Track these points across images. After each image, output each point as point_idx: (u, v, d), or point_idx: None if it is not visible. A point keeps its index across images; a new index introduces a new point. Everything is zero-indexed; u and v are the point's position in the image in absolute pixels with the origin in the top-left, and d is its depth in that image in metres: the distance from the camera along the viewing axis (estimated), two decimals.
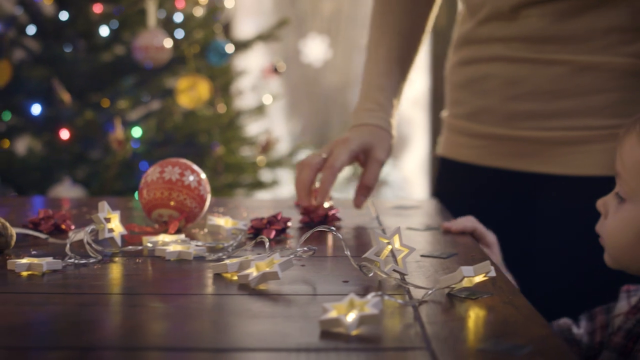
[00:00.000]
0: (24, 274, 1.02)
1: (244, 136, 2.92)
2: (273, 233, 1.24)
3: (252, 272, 0.97)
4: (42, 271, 1.03)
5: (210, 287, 0.98)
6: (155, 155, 2.64)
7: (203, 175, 1.32)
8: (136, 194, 2.57)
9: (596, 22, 1.34)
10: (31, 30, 2.75)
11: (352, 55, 4.72)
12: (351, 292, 0.84)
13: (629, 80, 1.35)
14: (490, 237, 1.31)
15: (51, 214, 1.28)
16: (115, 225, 1.17)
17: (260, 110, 2.93)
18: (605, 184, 1.15)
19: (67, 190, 2.49)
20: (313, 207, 1.37)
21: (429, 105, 4.45)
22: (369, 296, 0.83)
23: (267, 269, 0.97)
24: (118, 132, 2.47)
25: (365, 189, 1.43)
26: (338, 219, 1.39)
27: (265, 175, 3.02)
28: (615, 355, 1.13)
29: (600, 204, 1.13)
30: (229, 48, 2.76)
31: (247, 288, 0.97)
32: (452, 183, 1.58)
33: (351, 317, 0.81)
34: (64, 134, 2.53)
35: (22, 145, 2.77)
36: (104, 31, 2.69)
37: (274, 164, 2.94)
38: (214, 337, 0.80)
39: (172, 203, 1.27)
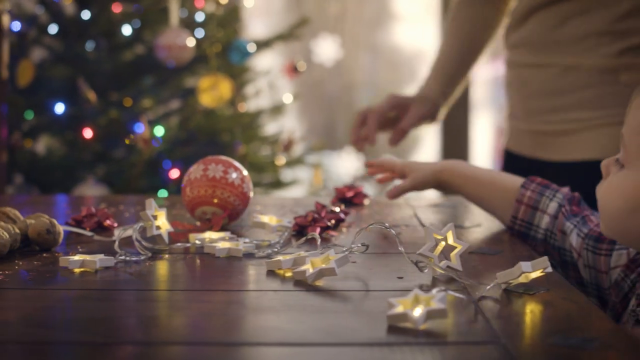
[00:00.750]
0: (77, 270, 1.02)
1: (263, 135, 2.92)
2: (318, 230, 1.24)
3: (308, 268, 0.97)
4: (95, 268, 1.03)
5: (265, 283, 0.98)
6: (178, 154, 2.65)
7: (245, 173, 1.32)
8: (160, 192, 2.59)
9: (577, 29, 1.56)
10: (53, 29, 2.75)
11: (357, 56, 4.72)
12: (415, 288, 0.84)
13: (604, 76, 1.55)
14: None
15: (94, 211, 1.28)
16: (162, 223, 1.17)
17: (279, 109, 2.93)
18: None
19: (90, 189, 2.49)
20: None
21: None
22: (434, 291, 0.84)
23: (324, 265, 0.97)
24: (145, 131, 2.47)
25: (401, 131, 1.68)
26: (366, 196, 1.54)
27: (284, 174, 3.02)
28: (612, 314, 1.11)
29: (603, 164, 1.10)
30: (251, 47, 2.76)
31: (303, 284, 0.97)
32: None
33: (418, 312, 0.81)
34: (87, 133, 2.53)
35: (45, 144, 2.77)
36: (127, 30, 2.69)
37: (293, 163, 2.94)
38: (287, 332, 0.80)
39: (215, 200, 1.27)
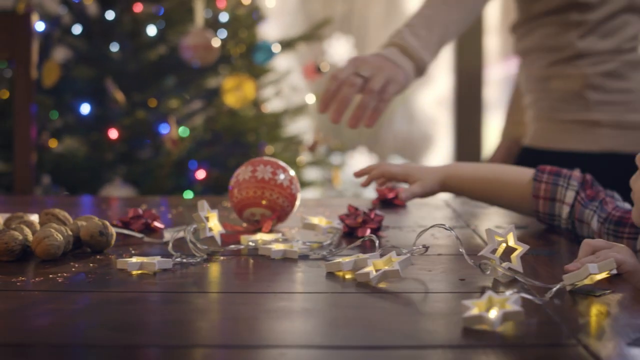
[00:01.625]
0: (135, 273, 1.02)
1: (286, 136, 2.91)
2: (368, 231, 1.24)
3: (371, 270, 0.97)
4: (154, 270, 1.02)
5: (327, 285, 0.98)
6: (203, 154, 2.64)
7: (293, 173, 1.31)
8: (185, 193, 2.59)
9: (527, 44, 1.87)
10: (77, 29, 2.74)
11: None
12: (488, 290, 0.84)
13: (539, 84, 1.86)
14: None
15: (140, 213, 1.28)
16: (214, 224, 1.16)
17: (301, 110, 2.92)
18: None
19: (117, 190, 2.49)
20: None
21: (453, 106, 4.44)
22: (507, 293, 0.83)
23: (388, 267, 0.96)
24: (173, 131, 2.46)
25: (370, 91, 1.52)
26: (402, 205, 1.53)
27: (306, 174, 3.01)
28: None
29: (638, 157, 1.11)
30: (276, 47, 2.76)
31: (364, 286, 0.96)
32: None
33: (493, 314, 0.81)
34: (112, 134, 2.53)
35: (70, 144, 2.77)
36: (151, 30, 2.69)
37: (315, 164, 2.93)
38: (363, 335, 0.79)
39: (264, 202, 1.26)
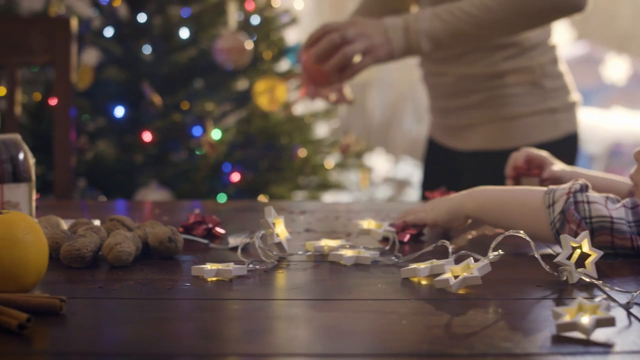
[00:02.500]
0: (210, 279, 1.02)
1: (316, 138, 2.91)
2: (407, 237, 1.24)
3: (450, 277, 0.97)
4: (230, 277, 1.02)
5: (407, 292, 0.98)
6: (237, 157, 2.64)
7: None
8: (219, 197, 2.59)
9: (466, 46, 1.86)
10: (108, 32, 2.74)
11: None
12: (579, 296, 0.84)
13: (491, 82, 1.89)
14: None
15: (202, 218, 1.28)
16: (280, 230, 1.16)
17: (330, 112, 2.92)
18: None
19: (153, 193, 2.49)
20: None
21: None
22: (597, 300, 0.83)
23: (467, 274, 0.96)
24: (210, 134, 2.46)
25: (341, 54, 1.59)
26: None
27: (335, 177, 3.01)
28: None
29: (635, 152, 1.15)
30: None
31: (442, 292, 0.96)
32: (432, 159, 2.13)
33: (586, 320, 0.81)
34: (146, 136, 2.53)
35: (103, 147, 2.77)
36: (184, 33, 2.69)
37: (345, 165, 2.93)
38: (449, 342, 0.79)
39: None
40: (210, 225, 1.27)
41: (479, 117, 1.92)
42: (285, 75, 2.79)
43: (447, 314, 0.88)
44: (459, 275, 0.97)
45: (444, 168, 2.02)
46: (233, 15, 2.54)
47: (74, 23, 2.02)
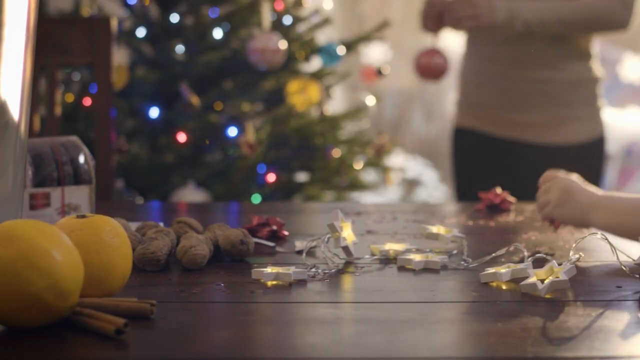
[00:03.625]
0: (270, 283, 1.02)
1: (346, 138, 2.91)
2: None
3: (537, 281, 0.96)
4: (289, 281, 1.02)
5: (489, 295, 0.97)
6: (271, 157, 2.64)
7: None
8: (253, 198, 2.58)
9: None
10: (140, 32, 2.74)
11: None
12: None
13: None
14: None
15: (265, 220, 1.28)
16: (347, 234, 1.16)
17: (360, 112, 2.92)
18: None
19: (190, 194, 2.49)
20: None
21: None
22: None
23: (554, 278, 0.96)
24: (249, 134, 2.46)
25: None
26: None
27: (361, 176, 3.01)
28: None
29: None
30: (340, 50, 2.75)
31: (528, 295, 0.96)
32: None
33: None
34: (181, 137, 2.53)
35: (138, 148, 2.76)
36: (217, 33, 2.68)
37: (369, 164, 2.93)
38: (562, 345, 0.79)
39: None
40: (275, 228, 1.27)
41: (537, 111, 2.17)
42: (317, 75, 2.79)
43: (538, 317, 0.88)
44: (544, 279, 0.97)
45: (492, 161, 2.22)
46: (267, 16, 2.54)
47: (114, 24, 2.02)
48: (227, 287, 1.00)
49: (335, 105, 2.91)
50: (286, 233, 1.28)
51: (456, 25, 2.08)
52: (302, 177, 2.77)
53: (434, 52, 2.14)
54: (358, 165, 2.88)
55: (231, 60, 2.72)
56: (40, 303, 0.80)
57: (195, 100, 2.50)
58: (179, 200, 2.49)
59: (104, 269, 0.90)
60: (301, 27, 2.83)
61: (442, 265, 1.11)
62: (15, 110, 0.90)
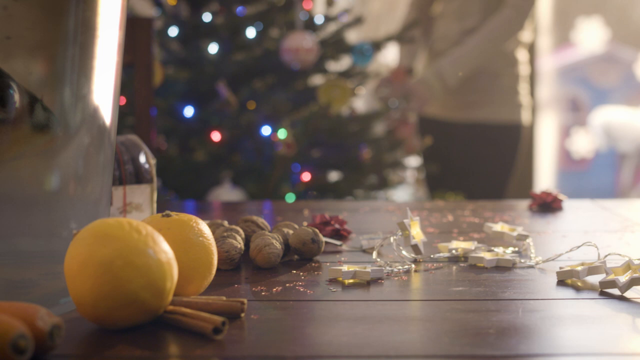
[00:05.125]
0: (347, 282, 1.02)
1: (375, 137, 2.91)
2: None
3: (616, 277, 0.96)
4: (367, 279, 1.02)
5: (566, 292, 0.97)
6: (305, 156, 2.64)
7: None
8: (287, 197, 2.58)
9: None
10: (173, 31, 2.74)
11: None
12: None
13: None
14: None
15: (328, 218, 1.28)
16: (416, 232, 1.16)
17: (388, 111, 2.91)
18: None
19: (227, 193, 2.49)
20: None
21: None
22: None
23: (634, 274, 0.96)
24: (287, 133, 2.46)
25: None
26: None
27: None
28: None
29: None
30: (371, 49, 2.76)
31: (605, 293, 0.96)
32: None
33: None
34: (215, 136, 2.53)
35: (172, 147, 2.76)
36: (251, 32, 2.69)
37: (394, 165, 2.93)
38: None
39: None
40: (337, 226, 1.27)
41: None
42: (347, 74, 2.79)
43: (626, 314, 0.88)
44: (623, 276, 0.97)
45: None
46: (299, 15, 2.54)
47: (157, 23, 2.02)
48: (306, 285, 1.00)
49: (364, 104, 2.90)
50: (349, 231, 1.28)
51: (413, 111, 2.86)
52: (334, 176, 2.77)
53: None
54: (388, 164, 2.88)
55: (262, 59, 2.73)
56: (138, 302, 0.80)
57: (233, 99, 2.50)
58: (214, 199, 2.49)
59: (191, 267, 0.90)
60: (331, 27, 2.83)
61: (513, 263, 1.11)
62: (107, 113, 0.91)
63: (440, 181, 2.92)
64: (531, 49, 4.28)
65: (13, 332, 0.70)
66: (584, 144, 5.53)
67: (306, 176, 2.60)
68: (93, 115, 0.88)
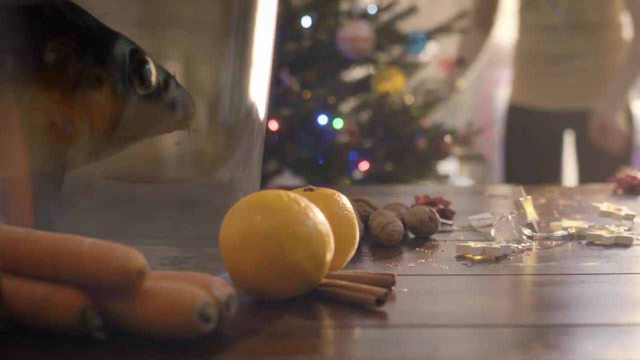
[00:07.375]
0: (475, 258, 1.02)
1: (428, 127, 2.90)
2: None
3: None
4: (496, 255, 1.02)
5: None
6: (361, 145, 2.64)
7: None
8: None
9: None
10: None
11: None
12: None
13: None
14: None
15: (432, 199, 1.28)
16: (530, 211, 1.16)
17: (440, 102, 2.91)
18: None
19: (287, 182, 2.49)
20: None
21: None
22: None
23: None
24: (348, 122, 2.46)
25: None
26: None
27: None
28: None
29: None
30: (426, 39, 2.76)
31: None
32: None
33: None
34: (272, 125, 2.53)
35: None
36: (306, 22, 2.69)
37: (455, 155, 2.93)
38: None
39: None
40: (442, 207, 1.27)
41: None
42: (400, 64, 2.79)
43: None
44: None
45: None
46: (354, 4, 2.54)
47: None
48: (438, 261, 1.00)
49: (415, 95, 2.90)
50: (454, 211, 1.28)
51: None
52: (389, 165, 2.77)
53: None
54: (441, 154, 2.87)
55: (314, 47, 2.72)
56: (300, 273, 0.81)
57: (295, 86, 2.50)
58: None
59: (337, 241, 0.90)
60: (385, 16, 2.83)
61: (632, 240, 1.11)
62: (262, 109, 0.93)
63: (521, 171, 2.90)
64: None
65: (199, 300, 0.70)
66: None
67: (364, 165, 2.60)
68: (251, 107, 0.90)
